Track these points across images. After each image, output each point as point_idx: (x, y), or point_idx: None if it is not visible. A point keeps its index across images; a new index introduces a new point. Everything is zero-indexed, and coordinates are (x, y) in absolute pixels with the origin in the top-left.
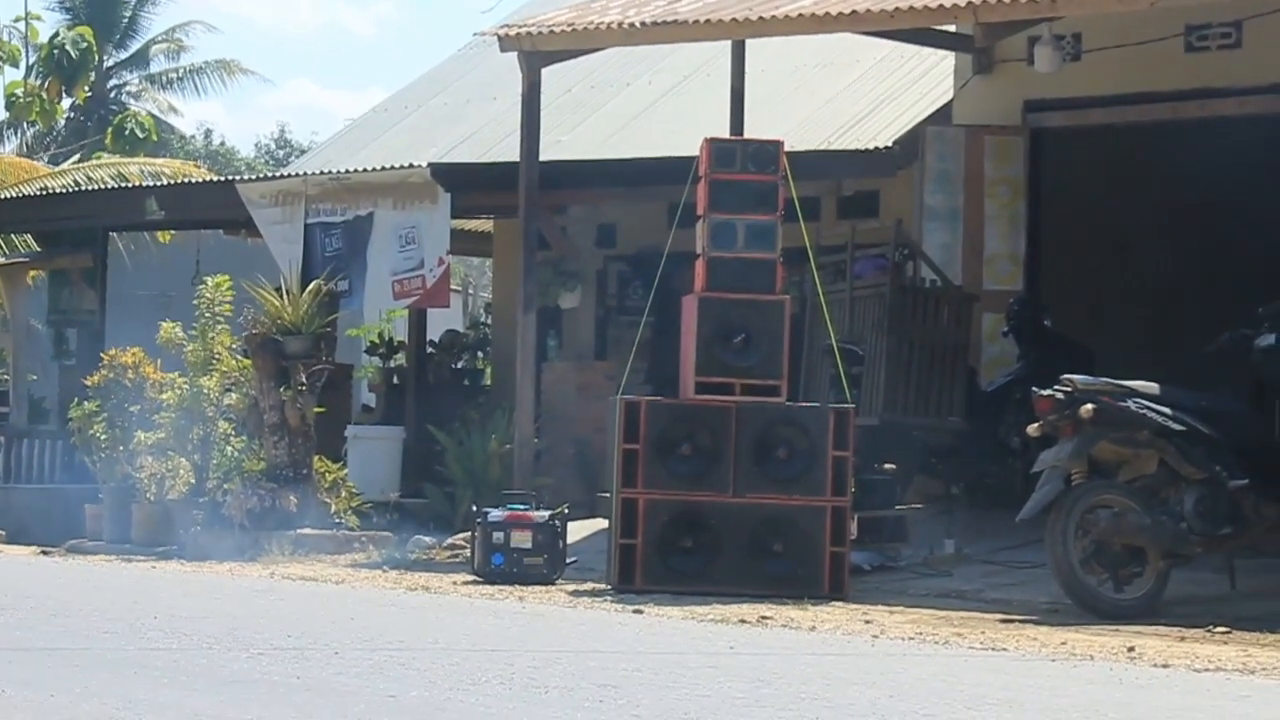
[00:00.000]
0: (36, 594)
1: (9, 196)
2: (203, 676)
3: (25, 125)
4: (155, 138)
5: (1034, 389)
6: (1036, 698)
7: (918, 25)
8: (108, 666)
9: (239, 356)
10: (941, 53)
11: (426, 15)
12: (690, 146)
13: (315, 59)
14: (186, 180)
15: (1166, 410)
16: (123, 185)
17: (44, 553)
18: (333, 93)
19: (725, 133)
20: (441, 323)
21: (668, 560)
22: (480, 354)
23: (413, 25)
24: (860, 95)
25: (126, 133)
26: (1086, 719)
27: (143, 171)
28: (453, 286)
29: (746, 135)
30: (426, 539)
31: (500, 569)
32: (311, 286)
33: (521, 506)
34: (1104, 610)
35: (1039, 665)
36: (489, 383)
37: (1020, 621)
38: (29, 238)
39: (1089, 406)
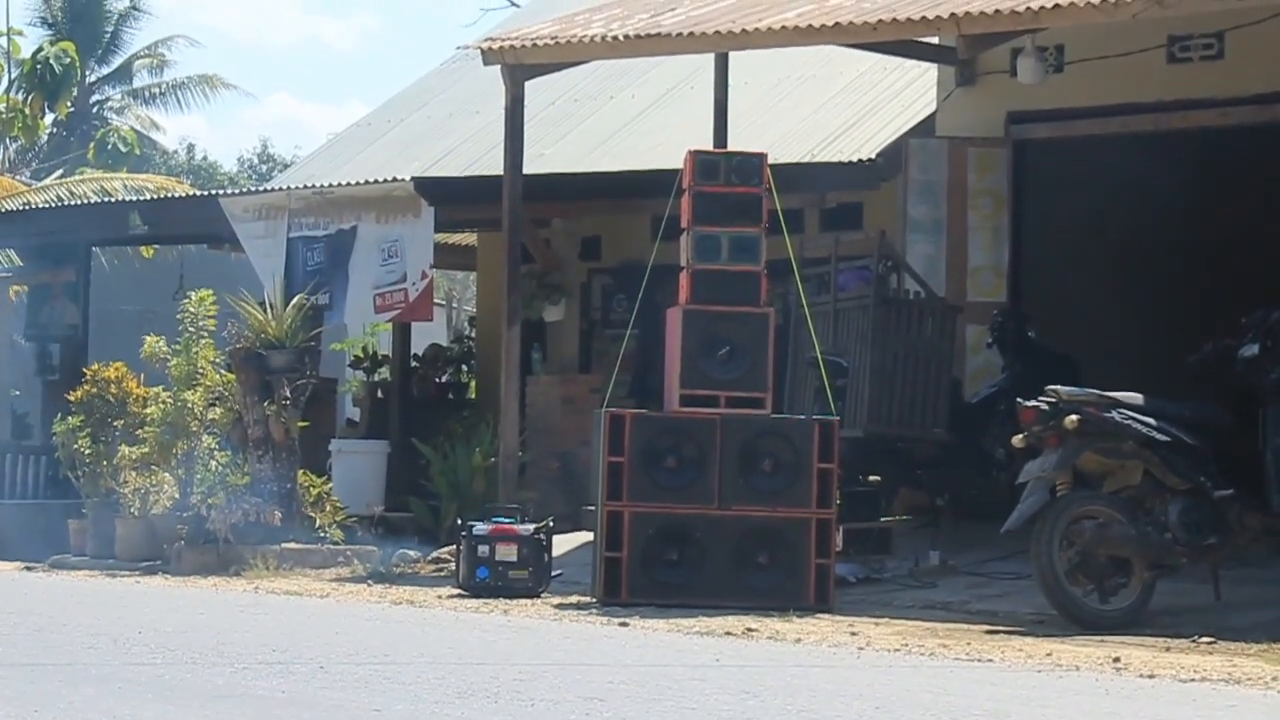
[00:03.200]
0: (20, 609)
1: None
2: (187, 691)
3: (7, 141)
4: (138, 152)
5: (1018, 400)
6: (1022, 709)
7: (901, 37)
8: (92, 681)
9: (223, 371)
10: (924, 65)
11: (407, 29)
12: (674, 159)
13: (295, 73)
14: (169, 195)
15: (1151, 421)
16: (106, 200)
17: (27, 568)
18: (313, 106)
19: (709, 145)
20: (426, 337)
21: (653, 573)
22: (464, 367)
23: (393, 39)
24: (843, 108)
25: (109, 148)
26: None
27: (126, 186)
28: (436, 300)
29: (730, 148)
30: (411, 553)
31: (485, 582)
32: (295, 301)
33: (506, 520)
34: (1089, 621)
35: (1025, 676)
36: (473, 396)
37: (1006, 633)
38: (12, 253)
39: (1073, 417)
